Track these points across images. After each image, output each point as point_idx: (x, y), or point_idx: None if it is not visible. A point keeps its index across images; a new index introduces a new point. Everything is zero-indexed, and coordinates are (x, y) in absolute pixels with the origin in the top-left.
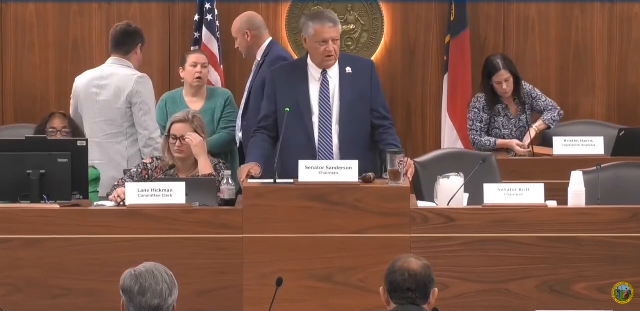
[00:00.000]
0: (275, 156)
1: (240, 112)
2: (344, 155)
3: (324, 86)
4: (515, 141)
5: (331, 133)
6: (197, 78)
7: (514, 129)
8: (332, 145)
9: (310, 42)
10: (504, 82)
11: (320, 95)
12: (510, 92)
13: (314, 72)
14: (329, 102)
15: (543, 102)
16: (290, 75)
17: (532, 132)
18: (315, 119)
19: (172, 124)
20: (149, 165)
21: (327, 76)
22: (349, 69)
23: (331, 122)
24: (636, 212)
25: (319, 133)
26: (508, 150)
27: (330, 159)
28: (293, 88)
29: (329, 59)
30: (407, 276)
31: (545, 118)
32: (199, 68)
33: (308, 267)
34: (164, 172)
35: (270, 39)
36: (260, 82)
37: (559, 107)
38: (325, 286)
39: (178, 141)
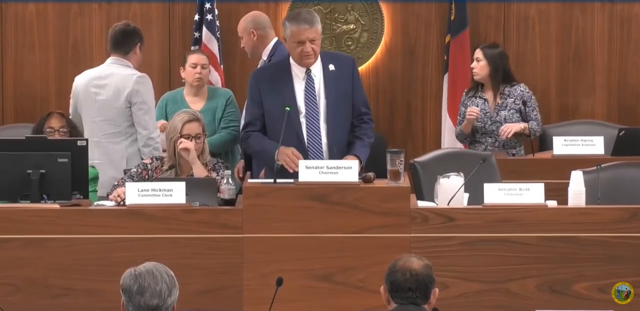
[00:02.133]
0: (275, 155)
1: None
2: (333, 153)
3: (309, 84)
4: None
5: (319, 132)
6: (197, 79)
7: (489, 122)
8: (321, 144)
9: (288, 42)
10: (475, 60)
11: (305, 94)
12: (480, 75)
13: (297, 71)
14: (316, 100)
15: (534, 115)
16: (273, 77)
17: (519, 126)
18: (303, 118)
19: (183, 125)
20: (149, 165)
21: (312, 74)
22: (331, 66)
23: (319, 120)
24: (636, 212)
25: (307, 132)
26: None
27: (320, 158)
28: (278, 89)
29: (307, 58)
30: (408, 276)
31: (531, 125)
32: (198, 69)
33: (308, 267)
34: (164, 171)
35: (276, 38)
36: None
37: (539, 125)
38: (325, 286)
39: (193, 140)
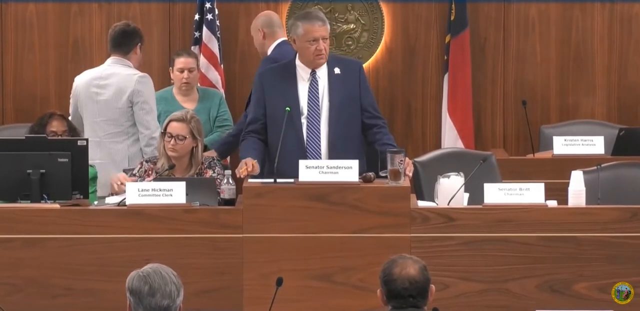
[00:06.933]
0: (275, 155)
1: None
2: (332, 156)
3: (313, 86)
4: None
5: (319, 134)
6: (184, 84)
7: None
8: (320, 146)
9: (299, 41)
10: None
11: (309, 95)
12: None
13: (302, 72)
14: (318, 102)
15: None
16: (278, 77)
17: None
18: (304, 120)
19: (169, 122)
20: (137, 172)
21: (316, 76)
22: (337, 70)
23: (319, 122)
24: (636, 212)
25: (307, 133)
26: None
27: (317, 159)
28: (282, 89)
29: (319, 58)
30: (408, 285)
31: None
32: (185, 74)
33: (308, 267)
34: (162, 171)
35: (283, 38)
36: None
37: None
38: (325, 286)
39: (173, 139)
